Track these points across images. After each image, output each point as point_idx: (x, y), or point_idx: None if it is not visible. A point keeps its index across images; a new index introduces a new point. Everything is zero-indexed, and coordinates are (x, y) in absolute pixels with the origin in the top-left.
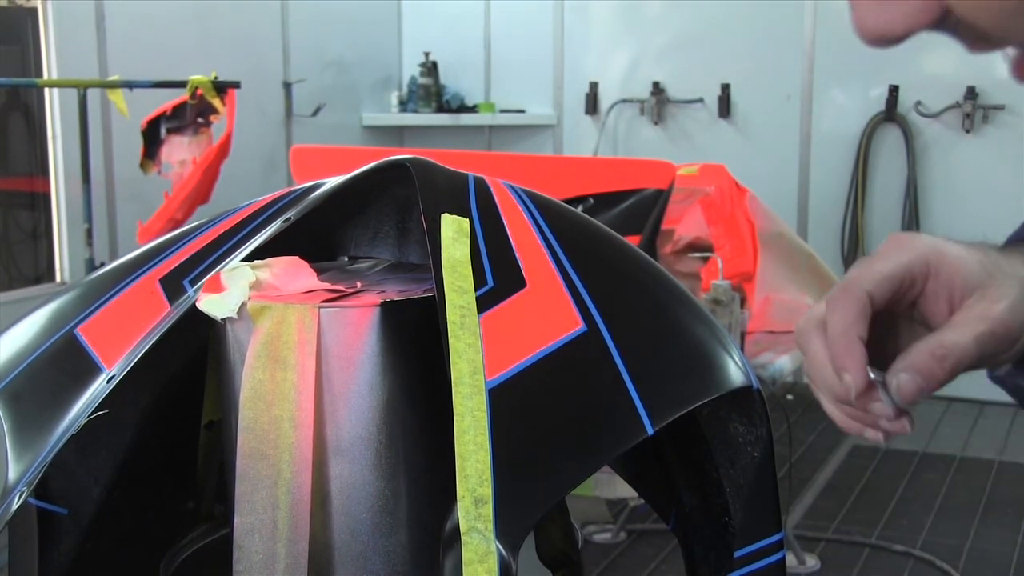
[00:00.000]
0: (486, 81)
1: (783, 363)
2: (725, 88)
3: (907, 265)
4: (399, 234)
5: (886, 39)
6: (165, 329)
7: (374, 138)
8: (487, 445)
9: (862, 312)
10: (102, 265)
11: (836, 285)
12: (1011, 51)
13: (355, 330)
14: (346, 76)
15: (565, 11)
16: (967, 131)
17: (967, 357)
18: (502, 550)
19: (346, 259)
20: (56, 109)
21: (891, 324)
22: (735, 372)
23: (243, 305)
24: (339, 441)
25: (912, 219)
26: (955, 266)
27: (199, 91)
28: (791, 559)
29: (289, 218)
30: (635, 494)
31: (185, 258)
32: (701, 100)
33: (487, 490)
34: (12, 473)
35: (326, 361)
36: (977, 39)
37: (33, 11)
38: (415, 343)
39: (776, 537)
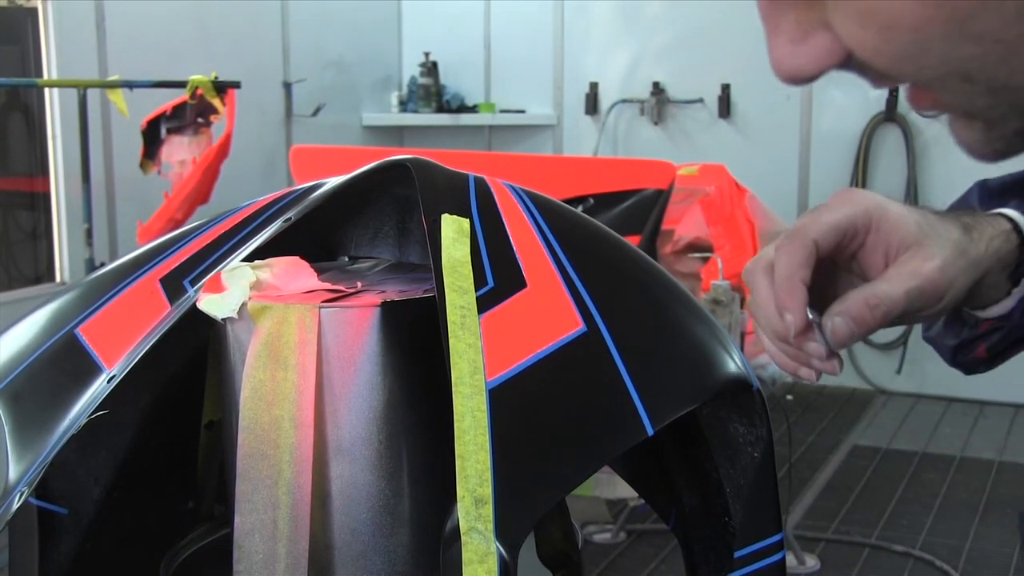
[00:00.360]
0: (486, 81)
1: None
2: (725, 88)
3: (852, 217)
4: (399, 234)
5: (800, 78)
6: (166, 329)
7: (374, 138)
8: (487, 445)
9: (808, 258)
10: (102, 265)
11: (785, 231)
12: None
13: (355, 330)
14: (346, 76)
15: (565, 11)
16: None
17: (896, 308)
18: (502, 550)
19: (346, 259)
20: (56, 109)
21: (831, 272)
22: (735, 372)
23: (243, 305)
24: (339, 441)
25: None
26: (895, 223)
27: (199, 91)
28: (791, 559)
29: (289, 218)
30: (635, 494)
31: (185, 258)
32: (701, 100)
33: (487, 490)
34: (12, 473)
35: (327, 361)
36: (878, 77)
37: (33, 11)
38: (415, 343)
39: (776, 538)
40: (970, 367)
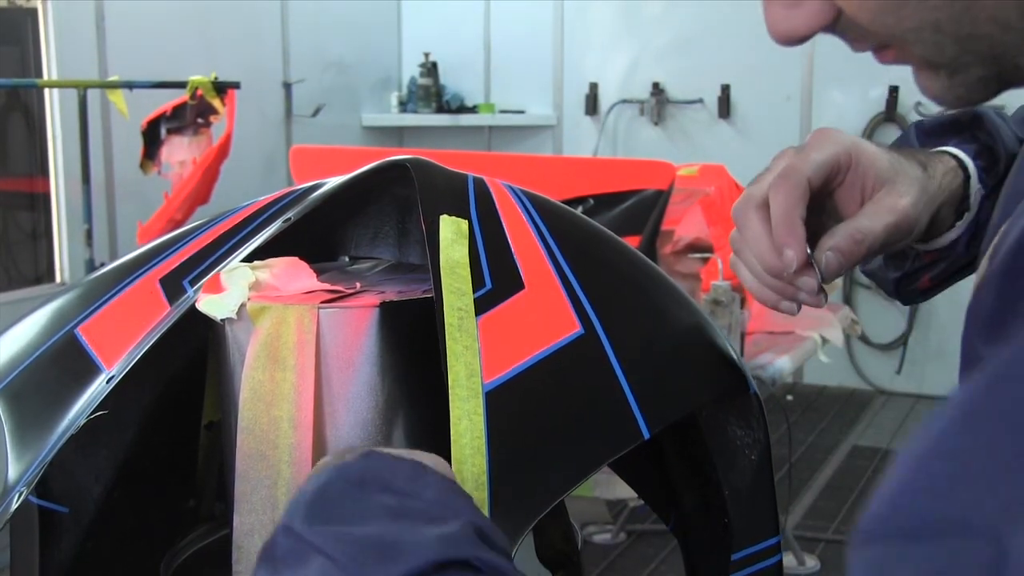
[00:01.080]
0: (486, 82)
1: (783, 364)
2: (725, 89)
3: (836, 155)
4: (399, 234)
5: (793, 39)
6: (165, 329)
7: (374, 139)
8: (483, 448)
9: (803, 196)
10: (102, 265)
11: (778, 173)
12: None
13: (354, 331)
14: (346, 77)
15: (565, 12)
16: None
17: (877, 243)
18: None
19: (346, 259)
20: (56, 109)
21: (811, 210)
22: (732, 376)
23: (242, 306)
24: (338, 442)
25: None
26: (871, 160)
27: (199, 91)
28: (791, 559)
29: (289, 218)
30: (635, 495)
31: (185, 258)
32: (701, 101)
33: (483, 494)
34: (12, 473)
35: (325, 362)
36: (860, 36)
37: (33, 11)
38: (414, 344)
39: (773, 540)
40: (911, 297)
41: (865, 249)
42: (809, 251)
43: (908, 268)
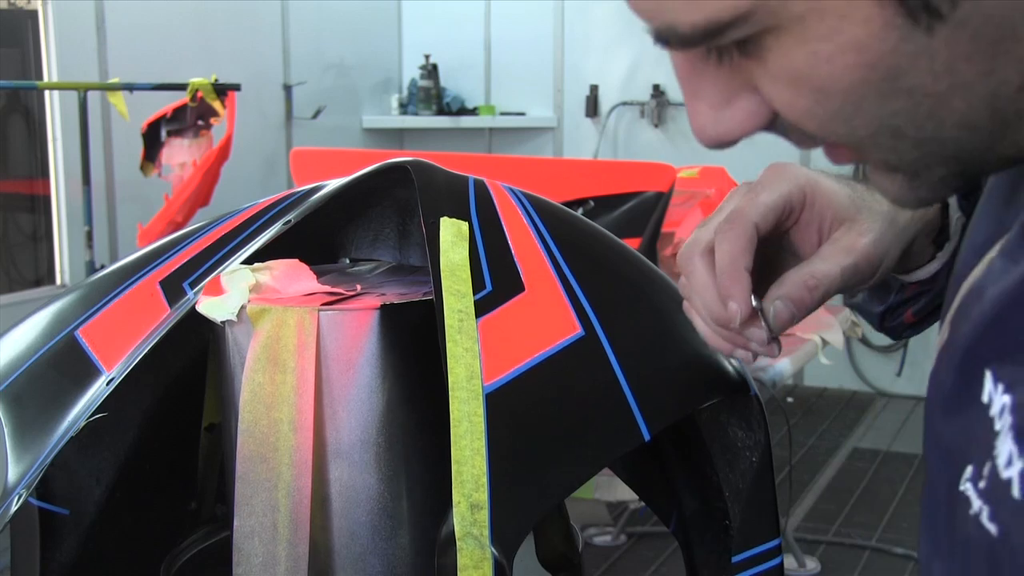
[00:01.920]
0: (486, 84)
1: (783, 366)
2: None
3: (787, 195)
4: (400, 236)
5: (724, 143)
6: (165, 331)
7: (374, 141)
8: (483, 450)
9: (749, 243)
10: (102, 267)
11: (724, 217)
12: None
13: (354, 333)
14: (346, 78)
15: (565, 13)
16: None
17: (833, 287)
18: (497, 555)
19: (347, 261)
20: (56, 111)
21: (764, 250)
22: (732, 378)
23: (243, 308)
24: (339, 444)
25: None
26: (828, 197)
27: (199, 94)
28: (791, 562)
29: (290, 221)
30: (635, 497)
31: (185, 260)
32: None
33: (483, 495)
34: (12, 474)
35: (325, 364)
36: (805, 138)
37: (33, 13)
38: (415, 346)
39: (774, 542)
40: (897, 332)
41: (820, 295)
42: (757, 302)
43: (891, 302)
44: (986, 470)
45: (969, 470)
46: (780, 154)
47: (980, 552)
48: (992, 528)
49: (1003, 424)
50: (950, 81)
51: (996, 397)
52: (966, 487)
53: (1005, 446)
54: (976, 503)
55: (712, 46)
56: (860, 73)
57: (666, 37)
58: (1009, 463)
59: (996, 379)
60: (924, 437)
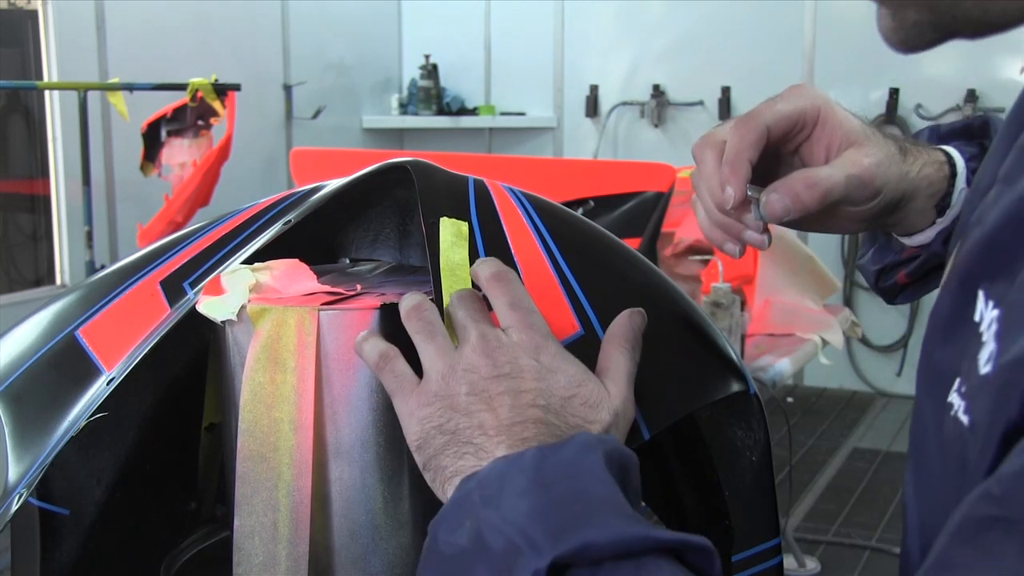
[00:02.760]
0: (486, 84)
1: (783, 366)
2: (725, 91)
3: (803, 109)
4: (400, 236)
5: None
6: (165, 331)
7: (374, 141)
8: None
9: (758, 140)
10: (102, 267)
11: (740, 116)
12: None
13: (355, 332)
14: (346, 78)
15: (565, 14)
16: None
17: (836, 190)
18: None
19: (347, 261)
20: (56, 111)
21: (776, 160)
22: (732, 378)
23: (243, 308)
24: (339, 444)
25: None
26: (840, 119)
27: (199, 94)
28: (791, 561)
29: (290, 221)
30: None
31: (186, 261)
32: (701, 103)
33: None
34: (12, 475)
35: (326, 364)
36: None
37: (33, 13)
38: (415, 345)
39: (773, 542)
40: (891, 293)
41: (819, 195)
42: (754, 190)
43: (888, 261)
44: (970, 374)
45: (956, 382)
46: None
47: (954, 448)
48: (965, 420)
49: (989, 334)
50: None
51: (986, 313)
52: (952, 397)
53: (987, 349)
54: (957, 404)
55: None
56: None
57: None
58: (988, 361)
59: (987, 297)
60: (917, 373)
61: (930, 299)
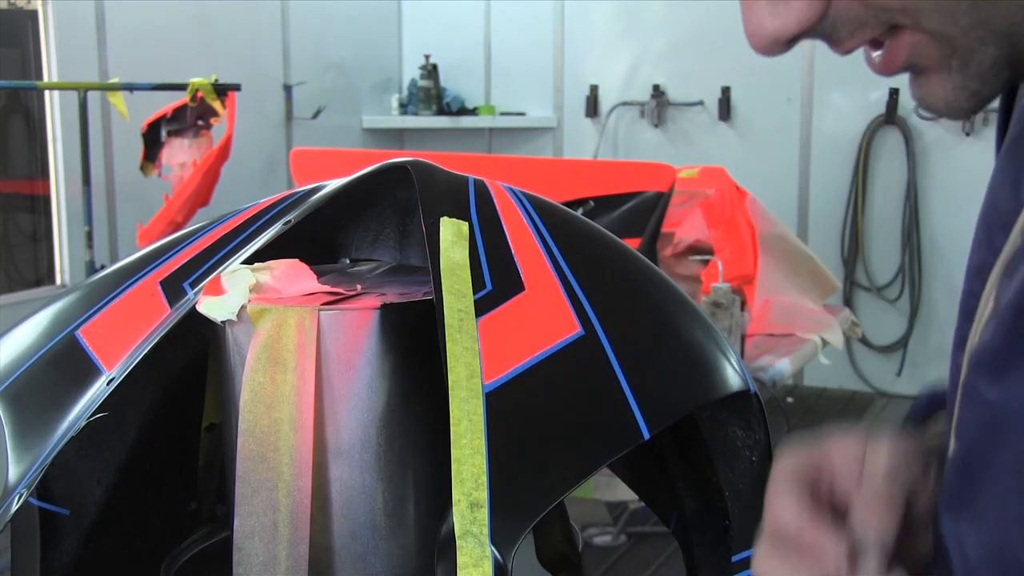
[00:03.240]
0: (486, 84)
1: (783, 366)
2: (725, 91)
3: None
4: (400, 236)
5: (781, 40)
6: (165, 331)
7: (374, 141)
8: (483, 449)
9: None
10: (102, 267)
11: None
12: (875, 53)
13: (355, 332)
14: (346, 79)
15: (565, 14)
16: (967, 134)
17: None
18: (497, 554)
19: (347, 261)
20: (56, 111)
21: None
22: (732, 377)
23: (243, 308)
24: (339, 444)
25: (912, 222)
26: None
27: (199, 94)
28: None
29: (290, 221)
30: (635, 497)
31: (186, 261)
32: (701, 103)
33: (483, 494)
34: (12, 474)
35: (326, 364)
36: (855, 27)
37: (33, 13)
38: (415, 345)
39: None
40: None
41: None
42: None
43: None
44: None
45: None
46: (781, 158)
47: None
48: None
49: None
50: None
51: None
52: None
53: None
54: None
55: None
56: None
57: None
58: None
59: None
60: (960, 410)
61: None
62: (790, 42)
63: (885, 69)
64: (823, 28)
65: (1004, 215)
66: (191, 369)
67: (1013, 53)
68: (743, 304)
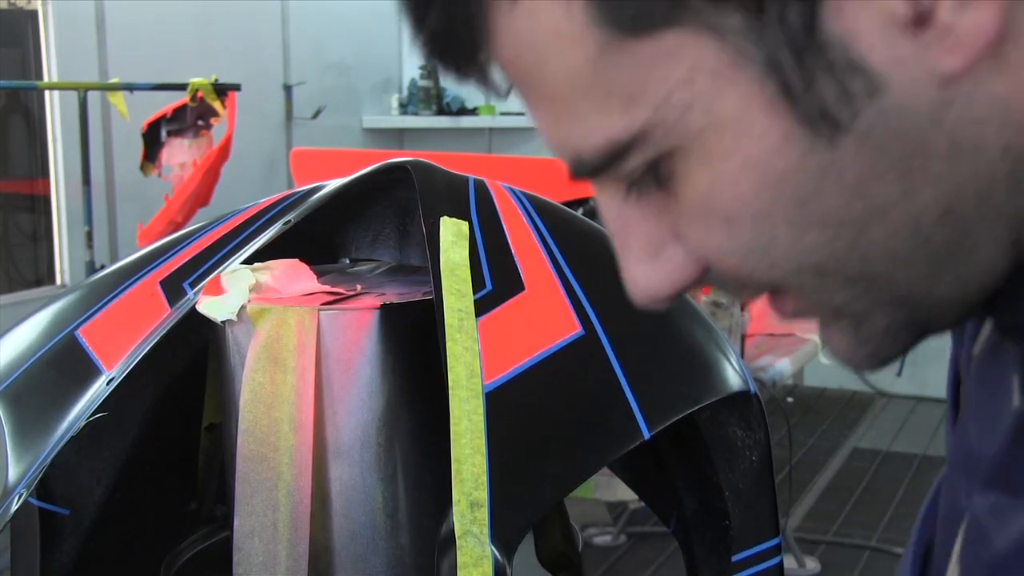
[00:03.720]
0: None
1: (783, 366)
2: None
3: None
4: (400, 236)
5: (657, 300)
6: (165, 331)
7: (374, 141)
8: (483, 449)
9: None
10: (102, 267)
11: None
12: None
13: (355, 332)
14: (346, 79)
15: None
16: None
17: None
18: (497, 554)
19: (347, 261)
20: (56, 111)
21: None
22: (732, 377)
23: (243, 308)
24: (339, 443)
25: None
26: None
27: (199, 94)
28: (791, 561)
29: (290, 221)
30: (635, 497)
31: (186, 260)
32: None
33: (483, 494)
34: (12, 474)
35: (326, 364)
36: (735, 287)
37: (33, 13)
38: (415, 345)
39: (774, 542)
40: None
41: None
42: None
43: None
44: None
45: None
46: None
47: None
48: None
49: None
50: (863, 206)
51: None
52: None
53: None
54: None
55: (623, 177)
56: (766, 194)
57: (576, 169)
58: None
59: None
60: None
61: None
62: (670, 298)
63: (778, 314)
64: (709, 281)
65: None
66: (191, 369)
67: (911, 316)
68: (743, 304)
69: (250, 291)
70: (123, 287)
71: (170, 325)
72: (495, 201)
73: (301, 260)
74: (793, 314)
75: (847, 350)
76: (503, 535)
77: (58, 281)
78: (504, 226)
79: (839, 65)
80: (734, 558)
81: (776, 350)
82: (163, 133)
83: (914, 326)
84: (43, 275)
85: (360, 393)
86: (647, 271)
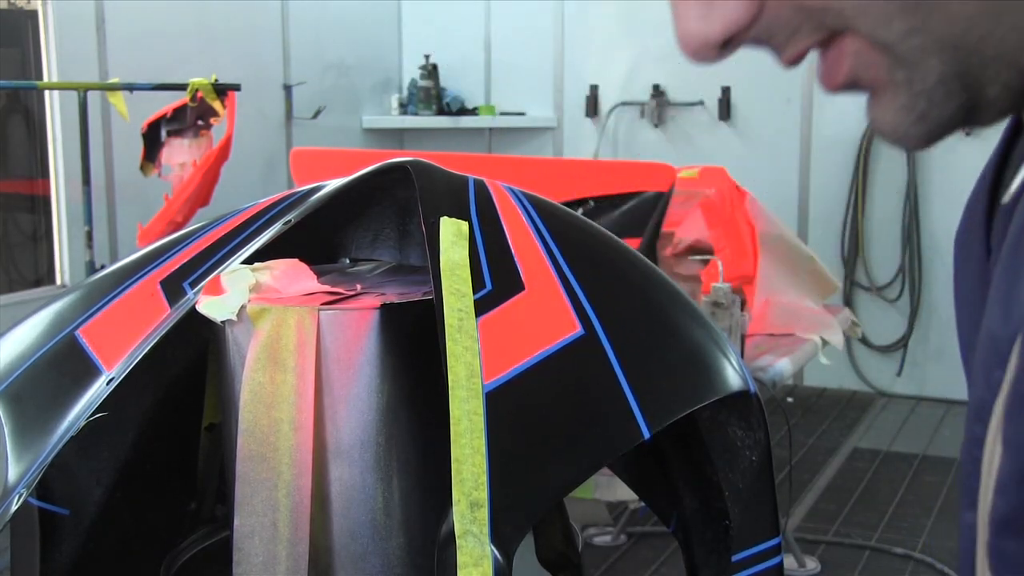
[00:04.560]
0: (486, 84)
1: (783, 366)
2: (725, 91)
3: None
4: (400, 236)
5: (710, 45)
6: (165, 331)
7: (374, 141)
8: (483, 449)
9: None
10: (102, 267)
11: None
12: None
13: (355, 332)
14: (346, 79)
15: (565, 13)
16: (967, 133)
17: None
18: (497, 554)
19: (347, 261)
20: (56, 111)
21: None
22: (732, 377)
23: (243, 308)
24: (339, 444)
25: (912, 222)
26: None
27: (199, 94)
28: (791, 561)
29: (290, 221)
30: (635, 497)
31: (186, 260)
32: (701, 103)
33: (482, 494)
34: (12, 474)
35: (326, 364)
36: (788, 35)
37: (33, 13)
38: (415, 345)
39: (774, 541)
40: None
41: None
42: None
43: None
44: None
45: None
46: (781, 158)
47: None
48: None
49: None
50: None
51: None
52: None
53: None
54: None
55: None
56: None
57: None
58: None
59: None
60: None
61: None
62: (724, 47)
63: (828, 83)
64: (759, 33)
65: (999, 344)
66: (191, 369)
67: (963, 71)
68: (743, 304)
69: (250, 291)
70: (123, 287)
71: (170, 325)
72: (495, 201)
73: (301, 260)
74: (846, 75)
75: (896, 117)
76: (503, 535)
77: (58, 281)
78: (504, 226)
79: None
80: (734, 558)
81: (776, 350)
82: (163, 133)
83: (965, 80)
84: (43, 275)
85: (360, 393)
86: (701, 15)
